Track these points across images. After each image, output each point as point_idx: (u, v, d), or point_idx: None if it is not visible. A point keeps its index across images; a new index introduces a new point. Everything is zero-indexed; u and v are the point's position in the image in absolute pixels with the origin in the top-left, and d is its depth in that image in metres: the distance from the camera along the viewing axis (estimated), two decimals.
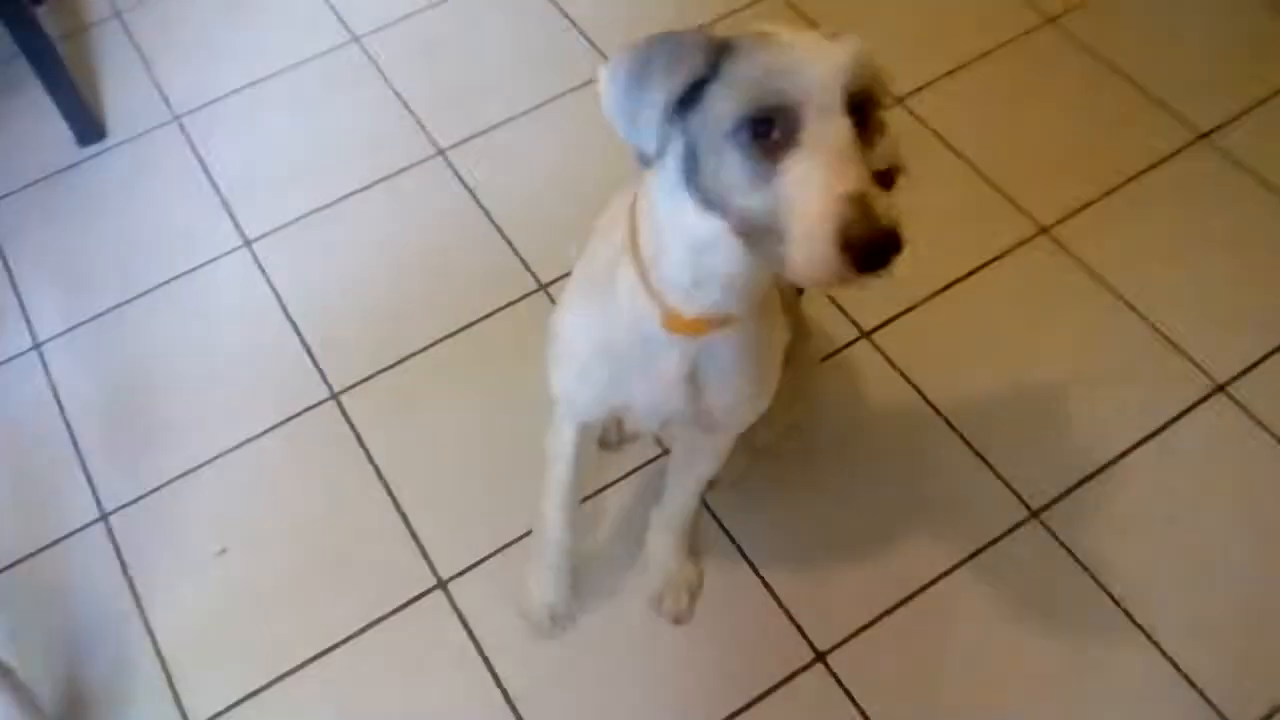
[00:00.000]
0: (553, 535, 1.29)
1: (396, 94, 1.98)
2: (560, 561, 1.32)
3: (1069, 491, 1.47)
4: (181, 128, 1.96)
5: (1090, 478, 1.48)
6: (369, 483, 1.51)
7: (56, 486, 1.53)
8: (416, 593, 1.41)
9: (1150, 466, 1.49)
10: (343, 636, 1.38)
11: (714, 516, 1.47)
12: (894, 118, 0.77)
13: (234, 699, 1.34)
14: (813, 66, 0.69)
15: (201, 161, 1.91)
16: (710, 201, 0.76)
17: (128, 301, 1.73)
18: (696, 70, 0.71)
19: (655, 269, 0.85)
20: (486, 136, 1.91)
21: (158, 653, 1.38)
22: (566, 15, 2.07)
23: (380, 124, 1.94)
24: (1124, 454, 1.50)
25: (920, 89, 1.92)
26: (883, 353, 1.62)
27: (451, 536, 1.46)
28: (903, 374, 1.59)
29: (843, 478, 1.50)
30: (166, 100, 2.00)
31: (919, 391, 1.57)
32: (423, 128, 1.93)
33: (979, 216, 1.77)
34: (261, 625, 1.40)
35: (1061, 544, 1.42)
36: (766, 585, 1.40)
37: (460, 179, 1.85)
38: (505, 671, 1.34)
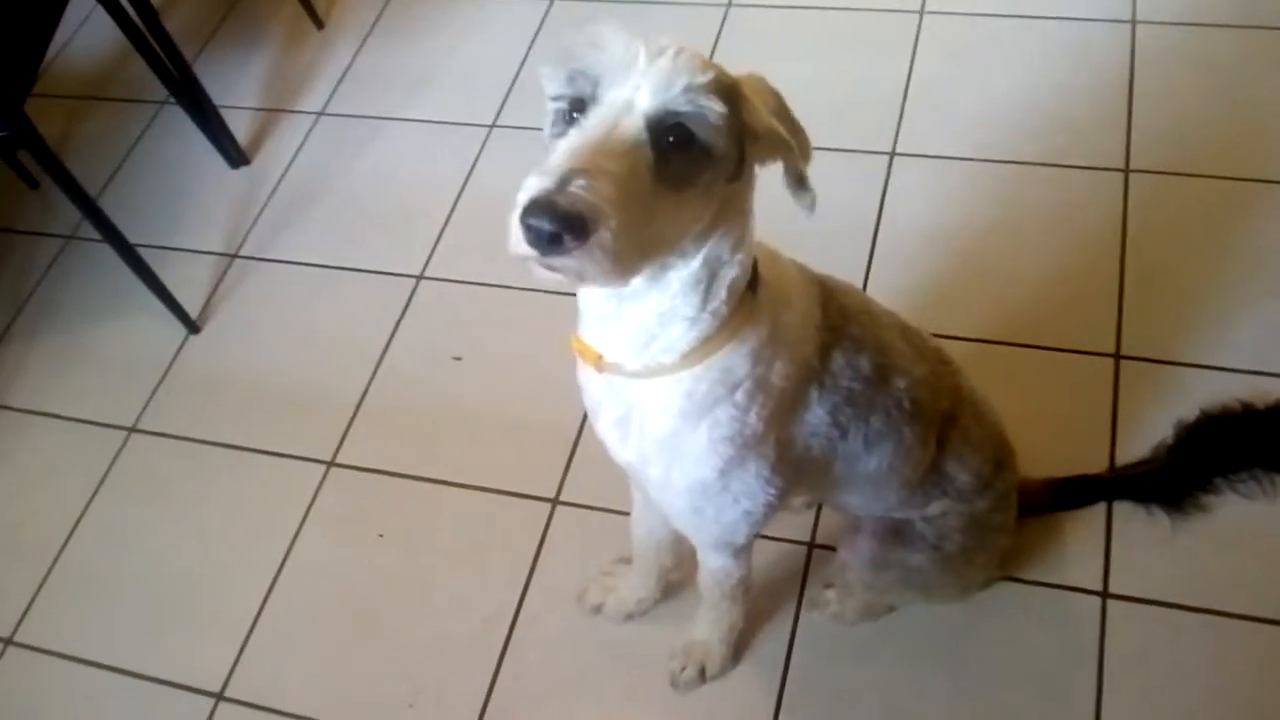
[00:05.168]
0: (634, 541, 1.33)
1: None
2: (640, 565, 1.34)
3: None
4: None
5: None
6: None
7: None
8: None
9: None
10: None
11: (792, 633, 1.35)
12: None
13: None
14: (616, 51, 0.69)
15: None
16: None
17: None
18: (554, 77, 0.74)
19: None
20: None
21: None
22: None
23: None
24: None
25: None
26: (1104, 629, 1.28)
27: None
28: (1101, 664, 1.25)
29: (939, 710, 1.27)
30: None
31: (1098, 700, 1.23)
32: None
33: None
34: None
35: None
36: None
37: None
38: (527, 610, 1.43)
